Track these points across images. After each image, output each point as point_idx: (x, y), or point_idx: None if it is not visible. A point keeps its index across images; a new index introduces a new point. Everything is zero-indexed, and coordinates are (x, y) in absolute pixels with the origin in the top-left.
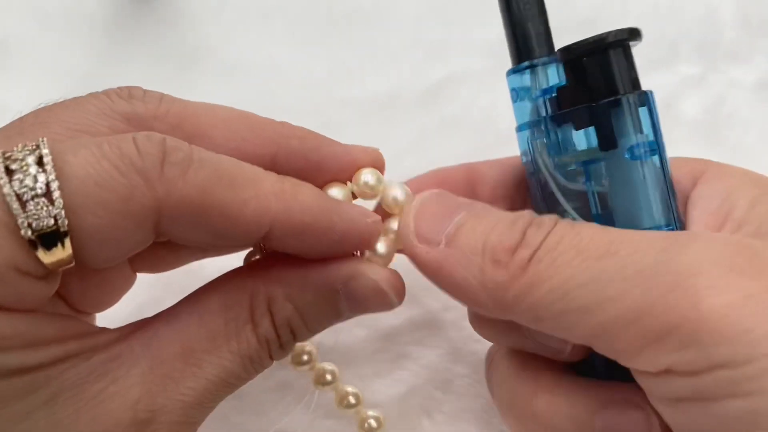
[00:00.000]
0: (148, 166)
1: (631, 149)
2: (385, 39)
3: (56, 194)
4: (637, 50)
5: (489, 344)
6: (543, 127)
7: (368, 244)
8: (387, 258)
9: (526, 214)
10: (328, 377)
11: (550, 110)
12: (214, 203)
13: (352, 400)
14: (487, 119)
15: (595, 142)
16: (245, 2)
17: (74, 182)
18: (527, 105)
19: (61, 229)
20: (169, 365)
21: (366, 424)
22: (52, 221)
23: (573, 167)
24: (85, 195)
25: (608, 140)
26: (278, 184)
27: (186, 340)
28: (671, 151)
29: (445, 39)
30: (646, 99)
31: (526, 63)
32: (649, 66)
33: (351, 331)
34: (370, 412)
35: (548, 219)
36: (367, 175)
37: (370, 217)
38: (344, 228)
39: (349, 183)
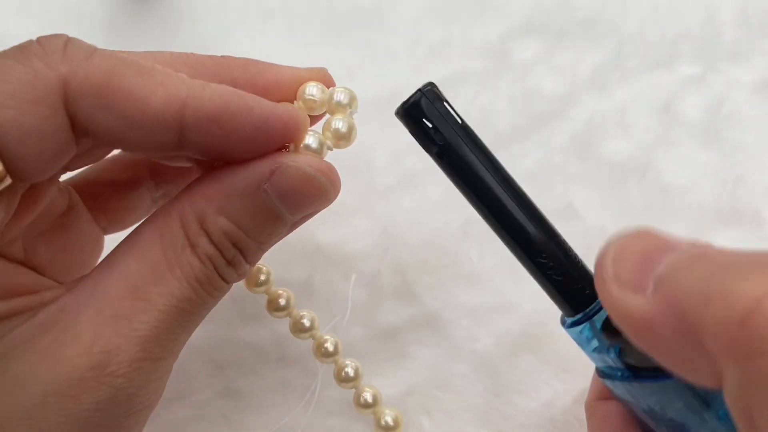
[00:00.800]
0: (48, 51)
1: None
2: (385, 39)
3: None
4: (638, 50)
5: (488, 343)
6: (621, 380)
7: (293, 132)
8: (318, 153)
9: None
10: (350, 372)
11: (620, 362)
12: (122, 86)
13: (369, 398)
14: (487, 119)
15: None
16: (245, 2)
17: None
18: (594, 352)
19: None
20: (117, 305)
21: (383, 422)
22: None
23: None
24: None
25: (698, 405)
26: (188, 78)
27: (129, 279)
28: (671, 152)
29: (445, 39)
30: None
31: (581, 316)
32: (649, 66)
33: (351, 331)
34: (387, 410)
35: None
36: (311, 88)
37: (294, 108)
38: (263, 113)
39: (295, 102)
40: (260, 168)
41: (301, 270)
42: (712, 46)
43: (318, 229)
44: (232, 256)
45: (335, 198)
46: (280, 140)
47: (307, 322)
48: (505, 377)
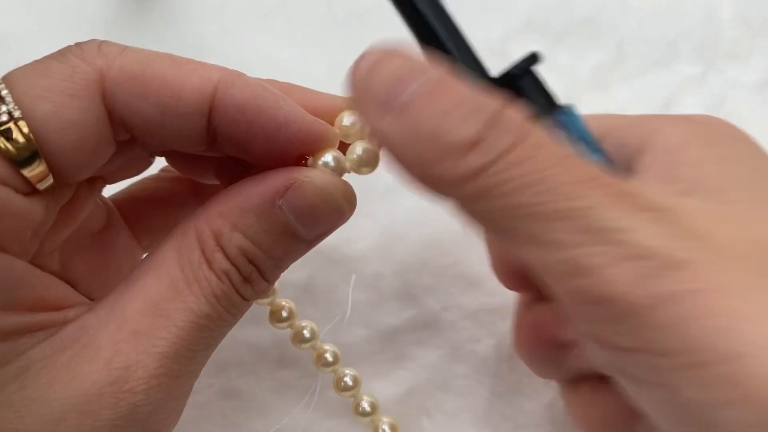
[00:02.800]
0: (84, 49)
1: None
2: (385, 39)
3: (4, 92)
4: (638, 50)
5: (488, 344)
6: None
7: (315, 141)
8: (336, 171)
9: (499, 104)
10: (349, 382)
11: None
12: (156, 74)
13: (367, 407)
14: None
15: None
16: (245, 2)
17: (19, 79)
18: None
19: (14, 115)
20: (136, 322)
21: (380, 430)
22: (5, 116)
23: None
24: (30, 84)
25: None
26: (222, 67)
27: (148, 296)
28: None
29: None
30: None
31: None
32: (649, 66)
33: (351, 331)
34: (384, 419)
35: (523, 121)
36: (348, 118)
37: (322, 122)
38: (290, 114)
39: None
40: (276, 183)
41: (302, 270)
42: (712, 46)
43: None
44: (249, 273)
45: (350, 216)
46: (302, 147)
47: (307, 334)
48: (505, 378)
